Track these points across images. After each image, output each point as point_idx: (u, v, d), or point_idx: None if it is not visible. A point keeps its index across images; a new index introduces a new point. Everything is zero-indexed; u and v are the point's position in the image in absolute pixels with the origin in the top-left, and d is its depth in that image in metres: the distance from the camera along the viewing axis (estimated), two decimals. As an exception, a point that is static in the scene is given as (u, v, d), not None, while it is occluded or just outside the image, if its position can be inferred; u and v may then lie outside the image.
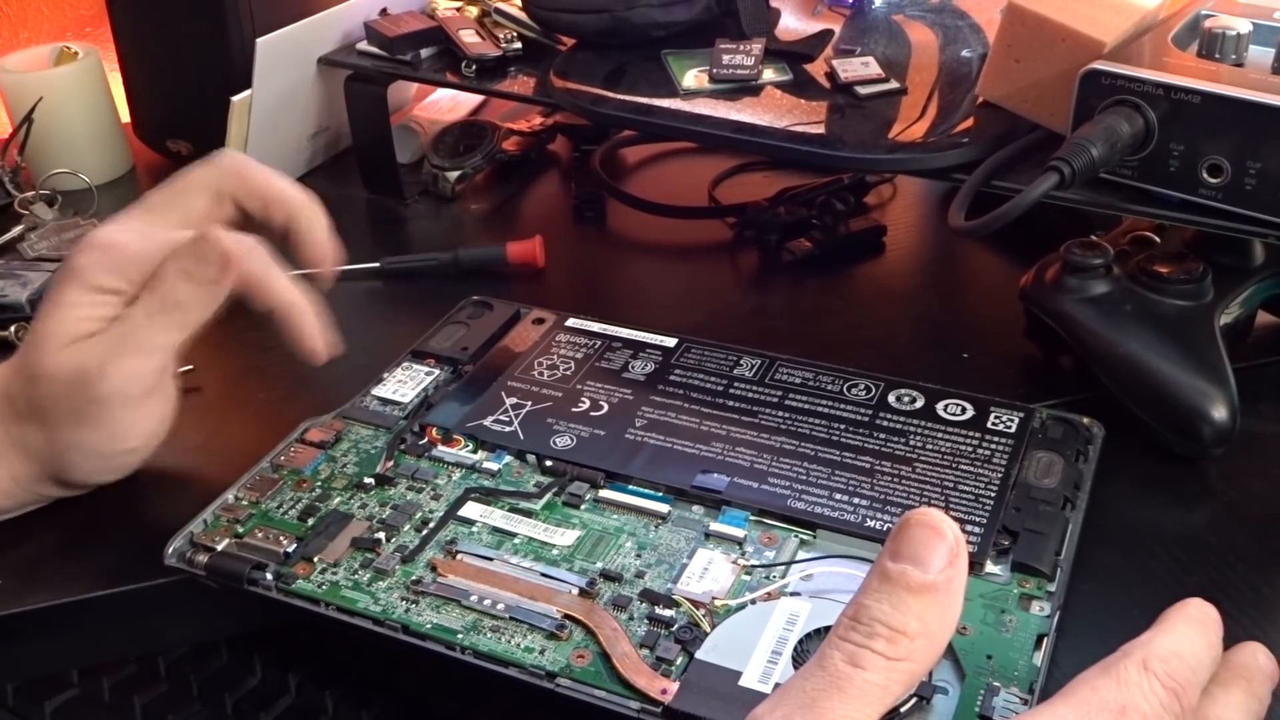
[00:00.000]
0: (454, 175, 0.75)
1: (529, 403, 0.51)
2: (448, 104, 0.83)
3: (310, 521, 0.45)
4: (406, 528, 0.45)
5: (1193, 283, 0.51)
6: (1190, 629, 0.33)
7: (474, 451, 0.49)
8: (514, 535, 0.44)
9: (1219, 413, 0.47)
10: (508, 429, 0.49)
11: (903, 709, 0.36)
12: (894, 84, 0.60)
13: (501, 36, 0.70)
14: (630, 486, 0.46)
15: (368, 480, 0.47)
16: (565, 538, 0.44)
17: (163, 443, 0.49)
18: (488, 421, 0.50)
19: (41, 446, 0.46)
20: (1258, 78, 0.47)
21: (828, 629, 0.38)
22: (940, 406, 0.50)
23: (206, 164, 0.49)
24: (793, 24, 0.68)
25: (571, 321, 0.57)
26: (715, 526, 0.44)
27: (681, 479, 0.46)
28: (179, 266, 0.45)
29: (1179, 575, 0.44)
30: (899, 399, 0.50)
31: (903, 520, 0.30)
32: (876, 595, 0.29)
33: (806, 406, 0.50)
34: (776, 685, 0.37)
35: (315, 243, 0.49)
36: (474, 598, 0.41)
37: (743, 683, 0.37)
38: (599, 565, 0.43)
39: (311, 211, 0.49)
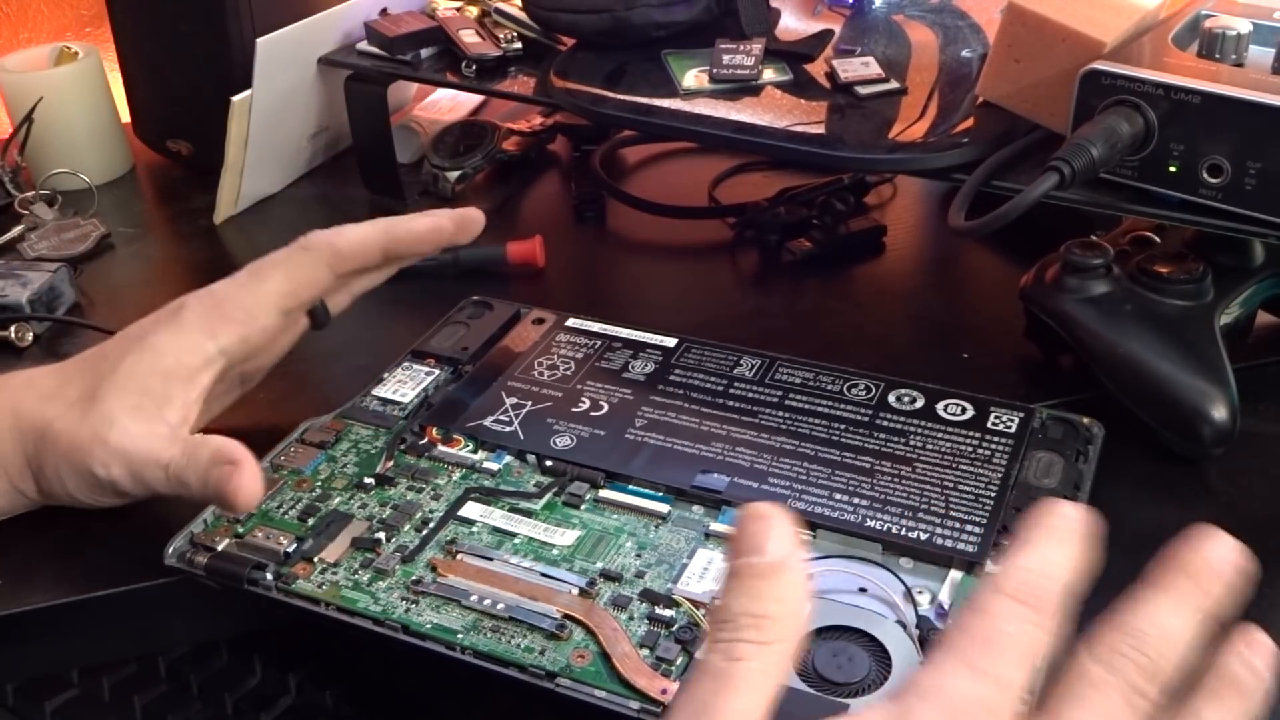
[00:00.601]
0: (454, 175, 0.74)
1: (529, 403, 0.51)
2: (448, 104, 0.83)
3: (310, 521, 0.45)
4: (406, 528, 0.45)
5: (1193, 283, 0.51)
6: (1050, 543, 0.32)
7: (474, 451, 0.49)
8: (514, 535, 0.44)
9: (1219, 413, 0.47)
10: (508, 429, 0.49)
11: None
12: (894, 84, 0.60)
13: (501, 36, 0.70)
14: (630, 486, 0.46)
15: (368, 480, 0.47)
16: (565, 538, 0.44)
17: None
18: (488, 421, 0.50)
19: (41, 464, 0.46)
20: (1258, 78, 0.47)
21: (828, 629, 0.39)
22: (940, 406, 0.50)
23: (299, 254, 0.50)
24: (793, 24, 0.68)
25: (571, 321, 0.57)
26: (715, 526, 0.44)
27: (681, 479, 0.46)
28: (200, 473, 0.44)
29: (1179, 575, 0.44)
30: (899, 399, 0.50)
31: (736, 520, 0.32)
32: (734, 593, 0.30)
33: (806, 406, 0.50)
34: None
35: (421, 230, 0.52)
36: (474, 598, 0.41)
37: (743, 683, 0.37)
38: (599, 565, 0.43)
39: (394, 222, 0.51)
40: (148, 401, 0.45)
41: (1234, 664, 0.31)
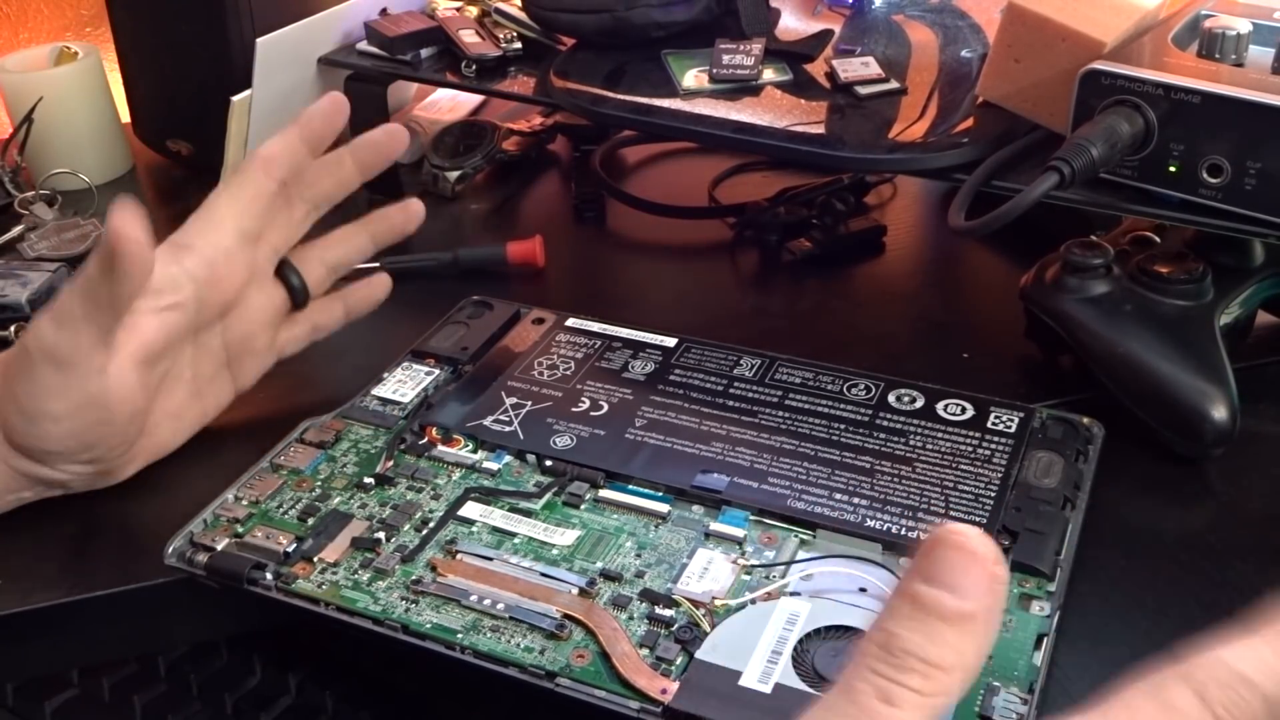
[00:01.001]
0: (454, 175, 0.75)
1: (529, 402, 0.51)
2: (448, 104, 0.83)
3: (310, 521, 0.45)
4: (406, 528, 0.45)
5: (1193, 283, 0.51)
6: (1267, 644, 0.26)
7: (474, 451, 0.49)
8: (514, 535, 0.44)
9: (1219, 413, 0.47)
10: (508, 429, 0.49)
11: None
12: (894, 84, 0.60)
13: (501, 36, 0.70)
14: (630, 486, 0.46)
15: (368, 480, 0.47)
16: (565, 538, 0.44)
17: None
18: (488, 421, 0.50)
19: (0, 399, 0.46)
20: (1258, 78, 0.47)
21: (828, 629, 0.39)
22: (940, 406, 0.50)
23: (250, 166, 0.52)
24: (793, 24, 0.68)
25: (571, 321, 0.57)
26: (715, 526, 0.44)
27: (681, 479, 0.46)
28: (99, 246, 0.45)
29: (1179, 575, 0.44)
30: (899, 399, 0.50)
31: (934, 538, 0.27)
32: (909, 624, 0.26)
33: (806, 406, 0.50)
34: (776, 685, 0.37)
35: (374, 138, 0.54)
36: (474, 597, 0.41)
37: (742, 683, 0.37)
38: (599, 565, 0.43)
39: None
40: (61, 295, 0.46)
41: None
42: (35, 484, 0.48)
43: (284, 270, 0.53)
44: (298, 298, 0.53)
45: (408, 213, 0.57)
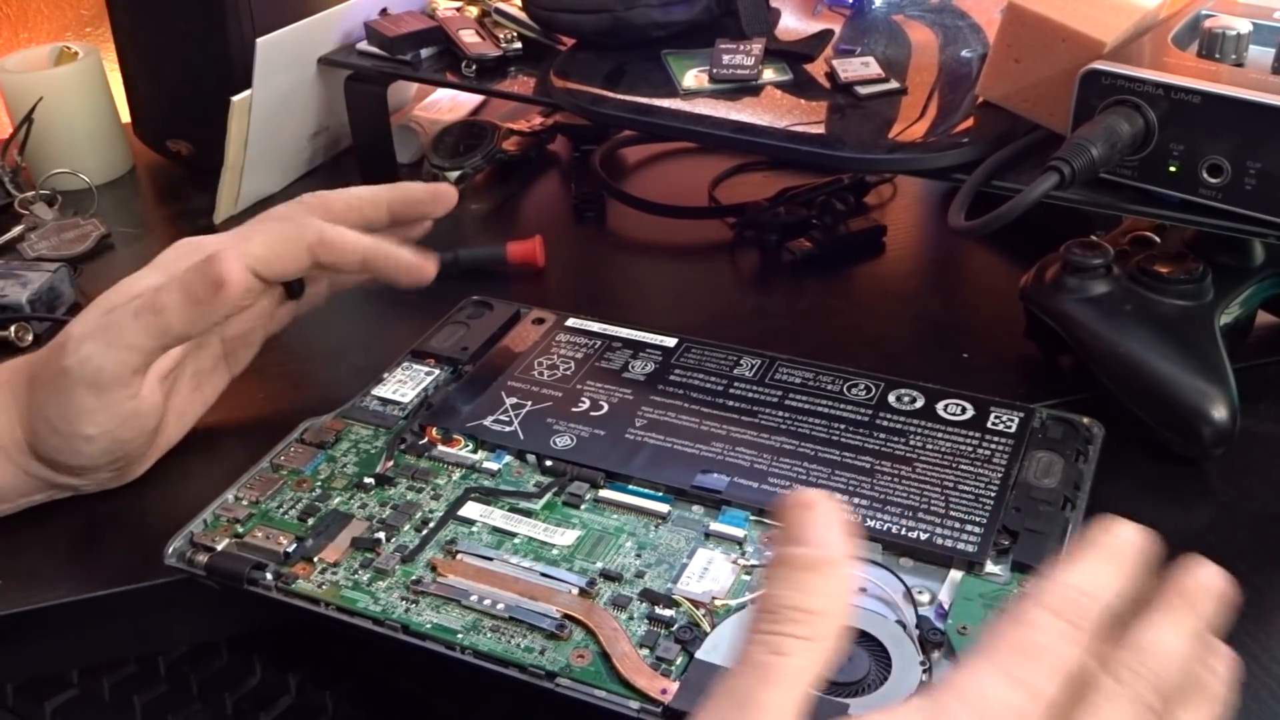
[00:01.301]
0: (454, 175, 0.74)
1: (529, 403, 0.51)
2: (448, 104, 0.83)
3: (310, 521, 0.45)
4: (406, 528, 0.45)
5: (1193, 283, 0.51)
6: (1104, 564, 0.33)
7: (474, 451, 0.49)
8: (514, 535, 0.44)
9: (1219, 413, 0.47)
10: (508, 429, 0.49)
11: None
12: (894, 84, 0.60)
13: (501, 36, 0.70)
14: (630, 486, 0.46)
15: (368, 480, 0.47)
16: (565, 538, 0.44)
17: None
18: (488, 421, 0.50)
19: (25, 404, 0.47)
20: (1258, 78, 0.47)
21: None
22: (940, 406, 0.50)
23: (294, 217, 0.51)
24: (793, 24, 0.68)
25: (571, 321, 0.57)
26: (715, 526, 0.44)
27: (681, 479, 0.46)
28: (182, 277, 0.45)
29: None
30: (899, 399, 0.50)
31: (782, 506, 0.32)
32: (781, 584, 0.30)
33: (806, 406, 0.50)
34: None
35: (399, 265, 0.51)
36: (474, 598, 0.41)
37: (743, 683, 0.37)
38: (599, 565, 0.43)
39: (383, 249, 0.51)
40: (100, 310, 0.47)
41: (1202, 672, 0.33)
42: (49, 488, 0.49)
43: None
44: (294, 292, 0.53)
45: (435, 195, 0.56)
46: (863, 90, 0.60)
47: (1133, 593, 0.33)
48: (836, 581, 0.31)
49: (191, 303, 0.45)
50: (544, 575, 0.42)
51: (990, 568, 0.42)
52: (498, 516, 0.45)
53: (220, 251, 0.45)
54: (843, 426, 0.49)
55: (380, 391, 0.53)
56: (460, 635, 0.40)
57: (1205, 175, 0.47)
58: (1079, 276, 0.52)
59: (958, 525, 0.43)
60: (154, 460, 0.51)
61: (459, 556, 0.43)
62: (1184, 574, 0.34)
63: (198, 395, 0.52)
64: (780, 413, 0.50)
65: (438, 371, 0.54)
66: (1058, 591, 0.32)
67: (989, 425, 0.48)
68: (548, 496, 0.46)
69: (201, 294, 0.44)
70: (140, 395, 0.47)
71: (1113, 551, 0.34)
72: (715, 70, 0.62)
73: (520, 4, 0.70)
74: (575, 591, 0.41)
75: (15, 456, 0.47)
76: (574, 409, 0.50)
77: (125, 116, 0.83)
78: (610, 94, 0.62)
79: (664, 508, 0.45)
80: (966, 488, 0.45)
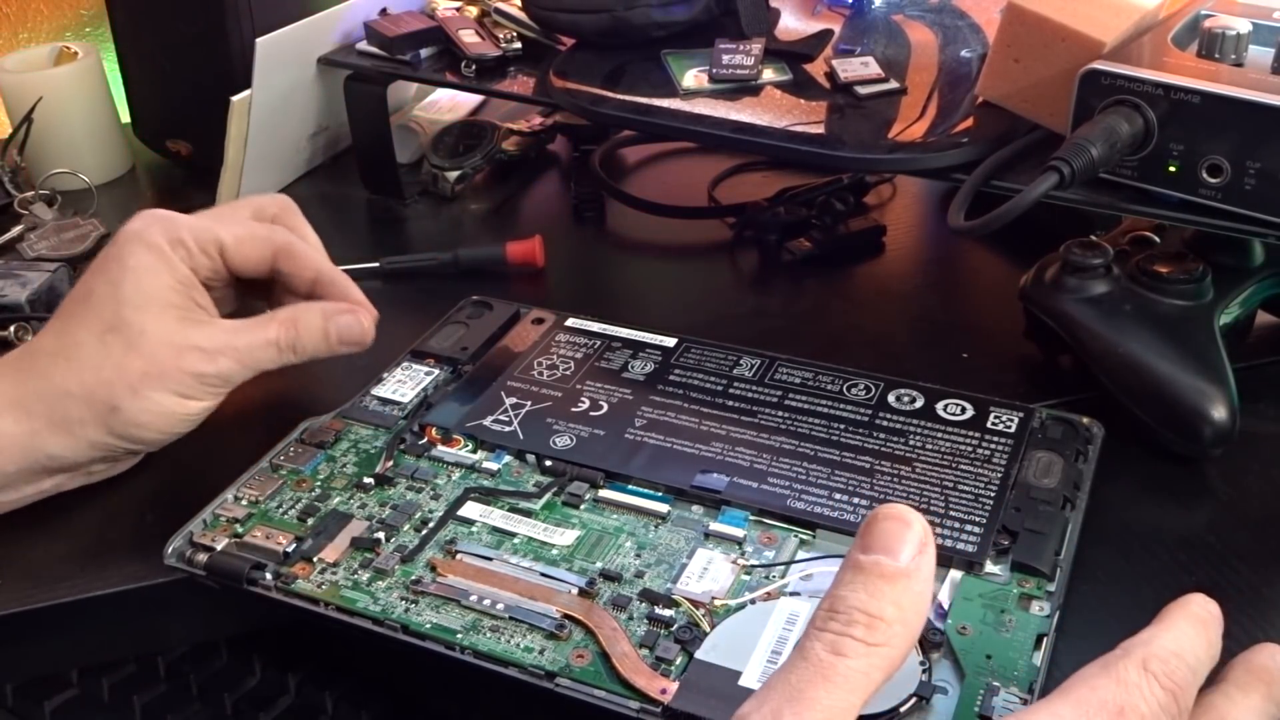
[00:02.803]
0: (454, 175, 0.75)
1: (529, 402, 0.51)
2: (447, 104, 0.83)
3: (310, 521, 0.45)
4: (406, 528, 0.45)
5: (1193, 283, 0.51)
6: (1191, 628, 0.33)
7: (474, 451, 0.49)
8: (514, 535, 0.44)
9: (1219, 413, 0.47)
10: (507, 429, 0.49)
11: (902, 709, 0.36)
12: (894, 84, 0.60)
13: (501, 36, 0.70)
14: (630, 486, 0.46)
15: (367, 480, 0.47)
16: (565, 538, 0.44)
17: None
18: (487, 421, 0.50)
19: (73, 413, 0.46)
20: (1258, 78, 0.47)
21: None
22: (940, 406, 0.50)
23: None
24: (793, 24, 0.68)
25: (571, 321, 0.57)
26: (715, 526, 0.44)
27: (681, 479, 0.46)
28: (317, 332, 0.50)
29: (1179, 575, 0.44)
30: (899, 399, 0.50)
31: (870, 516, 0.32)
32: (851, 586, 0.30)
33: (806, 406, 0.50)
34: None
35: (347, 296, 0.52)
36: (473, 598, 0.41)
37: (742, 683, 0.37)
38: (599, 565, 0.43)
39: (339, 278, 0.52)
40: (189, 304, 0.48)
41: (1261, 655, 0.34)
42: (60, 473, 0.48)
43: None
44: None
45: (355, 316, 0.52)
46: (862, 90, 0.60)
47: (1212, 664, 0.34)
48: (912, 596, 0.30)
49: (324, 349, 0.50)
50: (544, 575, 0.42)
51: (990, 567, 0.42)
52: (497, 516, 0.45)
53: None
54: (842, 426, 0.49)
55: (380, 391, 0.53)
56: (460, 635, 0.40)
57: (1205, 175, 0.47)
58: (1079, 276, 0.52)
59: (957, 525, 0.43)
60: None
61: (459, 556, 0.43)
62: (1258, 653, 0.35)
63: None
64: (780, 413, 0.50)
65: (437, 371, 0.54)
66: (1163, 657, 0.32)
67: (989, 425, 0.48)
68: (547, 496, 0.46)
69: (339, 344, 0.50)
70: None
71: (1201, 619, 0.34)
72: (715, 70, 0.62)
73: (520, 4, 0.70)
74: (575, 591, 0.41)
75: (20, 440, 0.46)
76: (574, 409, 0.50)
77: (125, 116, 0.83)
78: (610, 94, 0.62)
79: (664, 508, 0.45)
80: (966, 488, 0.45)
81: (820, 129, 0.58)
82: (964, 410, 0.49)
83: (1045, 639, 0.39)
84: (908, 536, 0.31)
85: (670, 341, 0.55)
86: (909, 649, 0.30)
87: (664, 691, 0.37)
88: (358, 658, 0.50)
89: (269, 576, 0.43)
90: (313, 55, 0.73)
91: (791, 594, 0.41)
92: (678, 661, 0.38)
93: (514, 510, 0.45)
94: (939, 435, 0.48)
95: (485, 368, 0.54)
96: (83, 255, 0.70)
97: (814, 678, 0.29)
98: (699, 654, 0.38)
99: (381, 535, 0.44)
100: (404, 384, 0.53)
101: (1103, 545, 0.45)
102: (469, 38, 0.70)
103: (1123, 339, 0.50)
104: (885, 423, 0.49)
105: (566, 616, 0.40)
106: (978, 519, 0.43)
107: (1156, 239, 0.55)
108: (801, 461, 0.47)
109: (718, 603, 0.41)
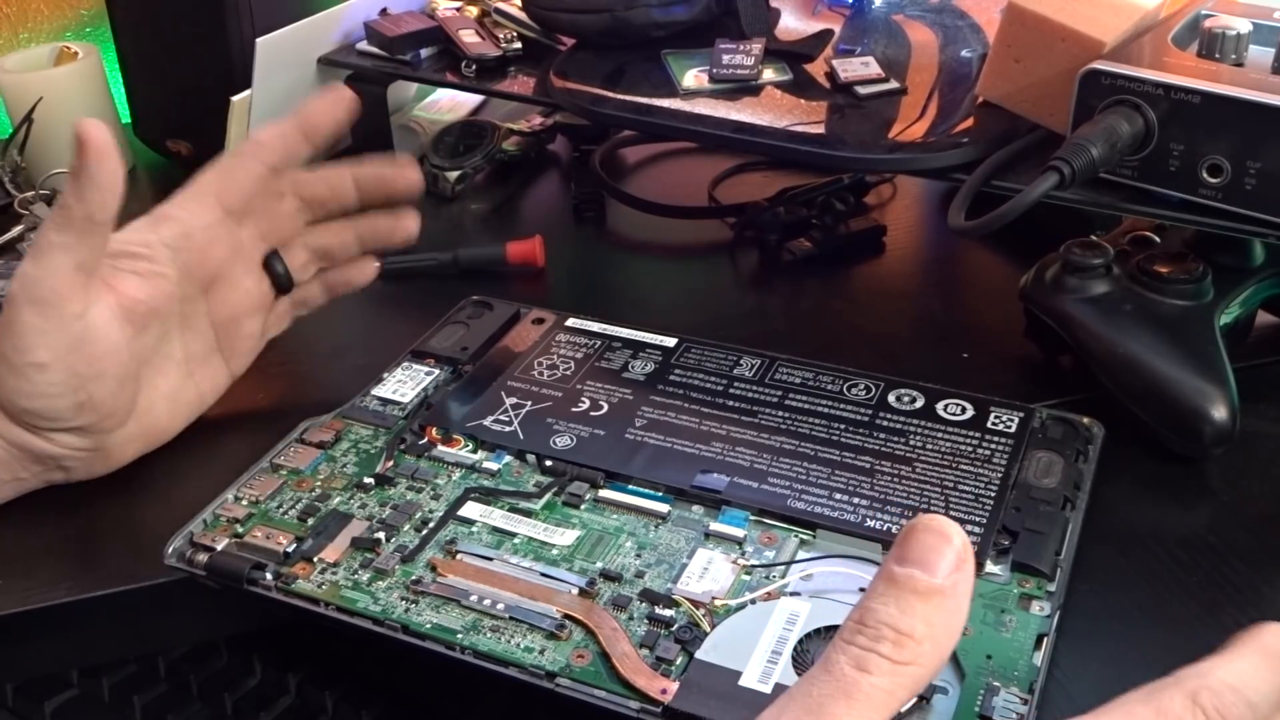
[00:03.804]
0: (454, 175, 0.75)
1: (529, 403, 0.51)
2: (448, 104, 0.83)
3: (310, 521, 0.45)
4: (406, 528, 0.45)
5: (1193, 283, 0.51)
6: (1259, 661, 0.30)
7: (474, 451, 0.49)
8: (514, 535, 0.44)
9: (1219, 413, 0.47)
10: (508, 429, 0.49)
11: (902, 709, 0.36)
12: (894, 84, 0.60)
13: (501, 36, 0.70)
14: (630, 486, 0.46)
15: (368, 480, 0.47)
16: (565, 538, 0.44)
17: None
18: (488, 421, 0.50)
19: None
20: (1258, 78, 0.47)
21: (828, 629, 0.39)
22: (940, 406, 0.50)
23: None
24: (793, 24, 0.68)
25: (571, 321, 0.57)
26: (715, 526, 0.44)
27: (681, 479, 0.46)
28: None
29: (1179, 575, 0.44)
30: (899, 399, 0.50)
31: (909, 525, 0.30)
32: (883, 599, 0.29)
33: (806, 406, 0.50)
34: (777, 685, 0.37)
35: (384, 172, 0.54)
36: (474, 598, 0.41)
37: (743, 683, 0.37)
38: (599, 565, 0.43)
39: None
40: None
41: None
42: (32, 462, 0.48)
43: (269, 258, 0.54)
44: (281, 283, 0.54)
45: (397, 223, 0.57)
46: (863, 90, 0.60)
47: (1276, 697, 0.30)
48: (945, 614, 0.29)
49: (74, 178, 0.45)
50: (544, 575, 0.42)
51: (990, 568, 0.42)
52: (497, 516, 0.45)
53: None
54: (843, 426, 0.49)
55: (380, 391, 0.53)
56: (460, 635, 0.40)
57: (1205, 175, 0.47)
58: (1079, 276, 0.52)
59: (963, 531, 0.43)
60: (142, 447, 0.50)
61: (459, 556, 0.43)
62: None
63: (190, 383, 0.52)
64: (780, 413, 0.50)
65: (438, 371, 0.54)
66: (1218, 690, 0.29)
67: (989, 425, 0.48)
68: (547, 496, 0.46)
69: (78, 165, 0.45)
70: (88, 318, 0.46)
71: (1273, 653, 0.31)
72: (715, 70, 0.62)
73: (520, 4, 0.70)
74: (575, 591, 0.41)
75: None
76: (574, 409, 0.50)
77: (125, 116, 0.83)
78: (610, 94, 0.62)
79: (664, 508, 0.45)
80: (966, 488, 0.45)
81: (820, 129, 0.58)
82: (964, 410, 0.49)
83: (1045, 639, 0.39)
84: (946, 551, 0.29)
85: (670, 341, 0.55)
86: (938, 669, 0.29)
87: (664, 691, 0.37)
88: (358, 658, 0.50)
89: (269, 576, 0.43)
90: (313, 55, 0.73)
91: (792, 594, 0.41)
92: (678, 661, 0.38)
93: (514, 510, 0.45)
94: (939, 435, 0.48)
95: (485, 368, 0.54)
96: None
97: (835, 693, 0.28)
98: (699, 654, 0.38)
99: (382, 535, 0.44)
100: (404, 384, 0.53)
101: (1103, 545, 0.45)
102: (469, 38, 0.70)
103: (1123, 339, 0.50)
104: (885, 423, 0.49)
105: (567, 616, 0.40)
106: (978, 519, 0.43)
107: (1157, 239, 0.55)
108: (802, 461, 0.47)
109: (718, 603, 0.41)
